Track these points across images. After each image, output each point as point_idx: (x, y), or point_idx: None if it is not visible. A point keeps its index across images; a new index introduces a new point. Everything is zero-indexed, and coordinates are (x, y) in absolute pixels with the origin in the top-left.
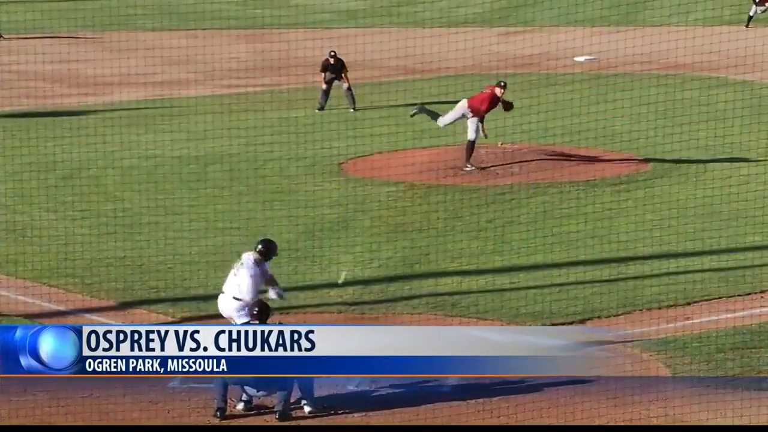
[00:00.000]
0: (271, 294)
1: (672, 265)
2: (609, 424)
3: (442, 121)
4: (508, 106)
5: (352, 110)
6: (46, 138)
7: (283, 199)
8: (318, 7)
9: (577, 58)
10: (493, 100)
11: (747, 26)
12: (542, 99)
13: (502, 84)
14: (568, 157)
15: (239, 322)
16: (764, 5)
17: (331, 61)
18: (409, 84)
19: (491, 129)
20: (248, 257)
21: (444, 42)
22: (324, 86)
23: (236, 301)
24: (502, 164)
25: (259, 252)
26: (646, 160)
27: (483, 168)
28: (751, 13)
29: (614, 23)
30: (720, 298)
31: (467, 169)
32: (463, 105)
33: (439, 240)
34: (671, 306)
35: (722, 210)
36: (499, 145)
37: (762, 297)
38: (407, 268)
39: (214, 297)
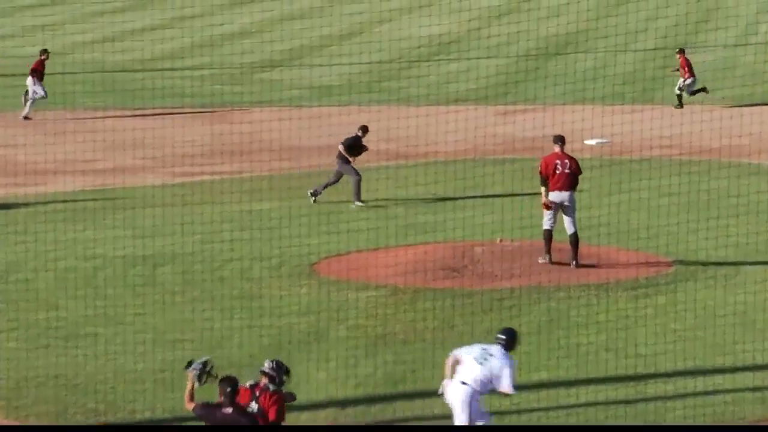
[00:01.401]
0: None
1: (700, 384)
2: None
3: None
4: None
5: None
6: None
7: (245, 306)
8: (286, 82)
9: (587, 141)
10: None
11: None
12: None
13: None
14: (578, 256)
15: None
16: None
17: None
18: (392, 171)
19: (487, 224)
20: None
21: (433, 122)
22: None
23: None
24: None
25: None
26: (669, 261)
27: (554, 263)
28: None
29: (629, 101)
30: (756, 421)
31: (540, 261)
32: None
33: (428, 354)
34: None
35: (757, 319)
36: (498, 242)
37: None
38: (391, 386)
39: (164, 421)
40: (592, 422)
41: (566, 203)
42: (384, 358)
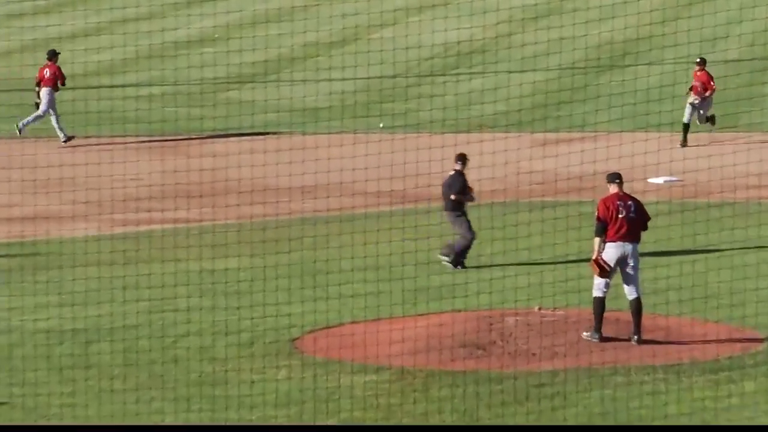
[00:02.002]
0: None
1: None
2: None
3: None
4: None
5: None
6: None
7: (206, 395)
8: (259, 104)
9: (652, 180)
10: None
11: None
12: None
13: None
14: (642, 330)
15: None
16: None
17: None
18: (397, 218)
19: (522, 288)
20: None
21: (450, 155)
22: None
23: None
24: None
25: None
26: (759, 336)
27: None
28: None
29: (706, 127)
30: None
31: (585, 336)
32: None
33: None
34: None
35: None
36: (536, 310)
37: None
38: None
39: None
40: None
41: (629, 259)
42: None
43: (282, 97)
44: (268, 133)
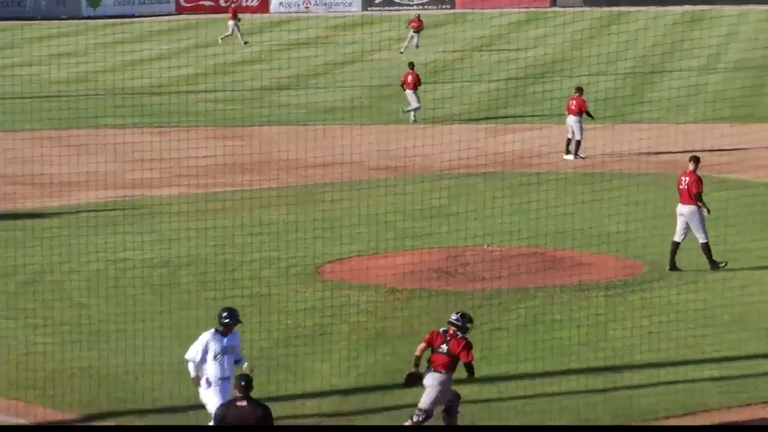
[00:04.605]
0: None
1: (668, 374)
2: None
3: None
4: None
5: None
6: (6, 242)
7: (256, 305)
8: (295, 104)
9: (566, 156)
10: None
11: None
12: (531, 198)
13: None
14: (557, 259)
15: None
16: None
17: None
18: (390, 184)
19: (477, 228)
20: None
21: (428, 138)
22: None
23: None
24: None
25: None
26: (640, 264)
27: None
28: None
29: (606, 120)
30: (719, 408)
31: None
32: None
33: None
34: (667, 417)
35: (716, 315)
36: (485, 248)
37: (764, 408)
38: (388, 377)
39: (185, 409)
40: (571, 408)
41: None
42: (383, 351)
43: (309, 101)
44: (298, 124)
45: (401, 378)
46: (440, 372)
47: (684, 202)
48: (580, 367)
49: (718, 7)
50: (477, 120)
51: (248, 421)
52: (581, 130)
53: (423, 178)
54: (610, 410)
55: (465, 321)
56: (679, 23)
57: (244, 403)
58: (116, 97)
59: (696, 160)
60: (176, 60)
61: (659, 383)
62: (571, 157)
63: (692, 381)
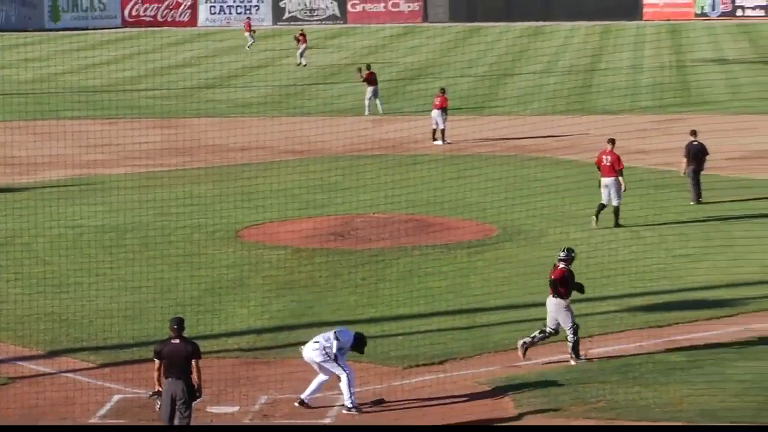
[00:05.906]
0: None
1: (516, 315)
2: None
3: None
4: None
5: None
6: None
7: (188, 262)
8: (219, 99)
9: (435, 142)
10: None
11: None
12: (410, 175)
13: None
14: (429, 224)
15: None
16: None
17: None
18: (296, 164)
19: (365, 199)
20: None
21: (326, 127)
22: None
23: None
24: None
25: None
26: (494, 227)
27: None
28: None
29: (467, 113)
30: (555, 342)
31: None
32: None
33: (322, 295)
34: (515, 349)
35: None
36: (372, 215)
37: (590, 341)
38: (295, 319)
39: (130, 346)
40: (440, 342)
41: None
42: (290, 298)
43: (230, 98)
44: (221, 117)
45: (304, 320)
46: (550, 297)
47: (606, 175)
48: (446, 309)
49: (554, 22)
50: (365, 113)
51: (180, 354)
52: (444, 120)
53: (323, 159)
54: (471, 344)
55: (568, 253)
56: (525, 36)
57: (177, 340)
58: (74, 94)
59: (613, 142)
60: (122, 64)
61: (509, 322)
62: (439, 142)
63: (535, 320)
